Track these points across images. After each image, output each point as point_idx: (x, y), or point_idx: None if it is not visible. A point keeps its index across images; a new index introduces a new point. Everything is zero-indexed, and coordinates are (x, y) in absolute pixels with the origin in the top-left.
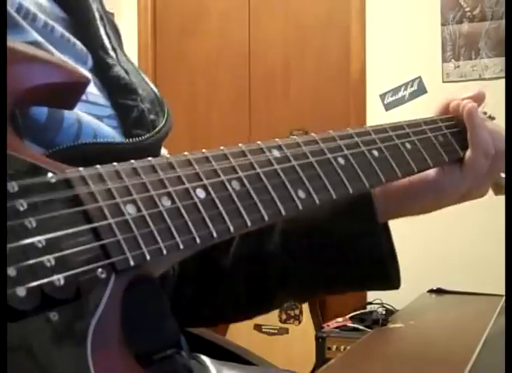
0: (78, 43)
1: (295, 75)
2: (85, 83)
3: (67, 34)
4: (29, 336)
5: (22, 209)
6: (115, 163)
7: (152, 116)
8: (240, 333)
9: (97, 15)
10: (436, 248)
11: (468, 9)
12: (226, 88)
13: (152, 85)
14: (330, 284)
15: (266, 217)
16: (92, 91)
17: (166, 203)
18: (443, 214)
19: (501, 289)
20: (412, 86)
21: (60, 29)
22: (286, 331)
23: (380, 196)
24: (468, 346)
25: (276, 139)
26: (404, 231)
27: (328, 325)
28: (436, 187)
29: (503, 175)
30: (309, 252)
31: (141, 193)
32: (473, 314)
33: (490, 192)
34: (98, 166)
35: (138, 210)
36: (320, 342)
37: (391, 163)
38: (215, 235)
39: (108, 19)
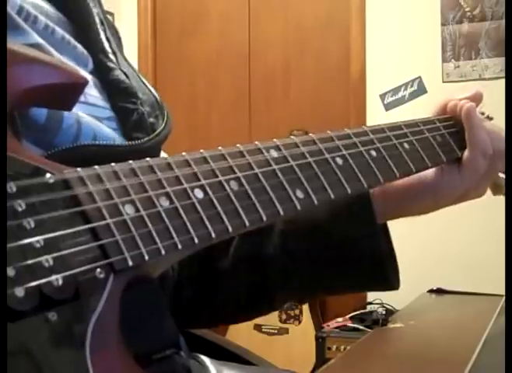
0: (78, 45)
1: (295, 76)
2: (83, 84)
3: (67, 37)
4: (28, 336)
5: (20, 209)
6: (113, 164)
7: (151, 120)
8: (240, 333)
9: (97, 20)
10: (436, 248)
11: (468, 9)
12: (226, 88)
13: (152, 89)
14: (329, 284)
15: (264, 218)
16: (92, 93)
17: (165, 203)
18: (443, 215)
19: (501, 289)
20: (412, 86)
21: (60, 31)
22: (286, 331)
23: (379, 197)
24: (468, 346)
25: (274, 139)
26: (403, 232)
27: (328, 325)
28: (435, 188)
29: (501, 175)
30: (308, 253)
31: (139, 193)
32: (473, 314)
33: (489, 192)
34: (96, 167)
35: (137, 210)
36: (320, 342)
37: (389, 163)
38: (213, 235)
39: (108, 23)
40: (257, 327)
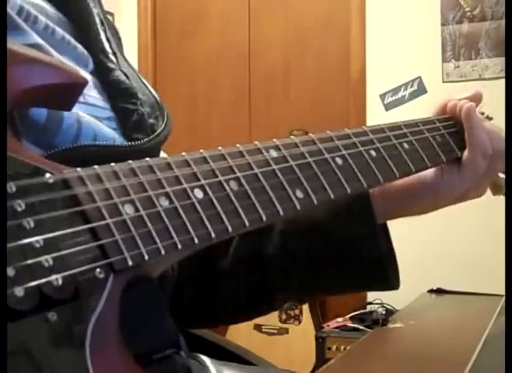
0: (79, 46)
1: (295, 76)
2: (83, 84)
3: (67, 37)
4: (28, 336)
5: (20, 209)
6: (113, 164)
7: (151, 120)
8: (240, 333)
9: (98, 20)
10: (436, 248)
11: (468, 9)
12: (226, 88)
13: (152, 90)
14: (329, 284)
15: (264, 218)
16: (92, 93)
17: (164, 203)
18: (443, 214)
19: (501, 289)
20: (412, 86)
21: (61, 31)
22: (286, 331)
23: (379, 197)
24: (468, 346)
25: (274, 139)
26: (403, 232)
27: (328, 325)
28: (435, 188)
29: (501, 175)
30: (308, 253)
31: (139, 193)
32: (473, 314)
33: (489, 192)
34: (96, 167)
35: (136, 210)
36: (320, 342)
37: (389, 163)
38: (213, 235)
39: (109, 23)
40: (257, 327)
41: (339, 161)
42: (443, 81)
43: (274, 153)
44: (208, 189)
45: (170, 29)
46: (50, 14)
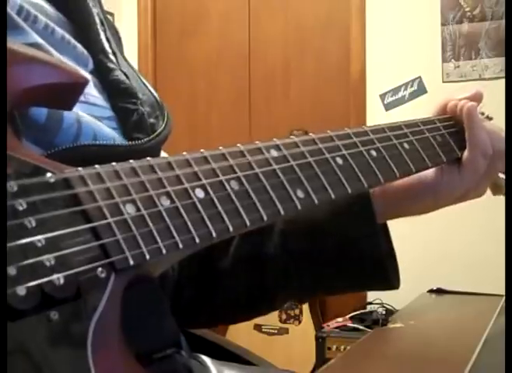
0: (78, 45)
1: (295, 76)
2: (83, 84)
3: (67, 36)
4: (30, 335)
5: (21, 209)
6: (114, 163)
7: (151, 120)
8: (240, 333)
9: (97, 20)
10: (436, 248)
11: (468, 9)
12: (226, 88)
13: (152, 89)
14: (329, 284)
15: (265, 217)
16: (92, 92)
17: (165, 202)
18: (443, 214)
19: (501, 289)
20: (412, 86)
21: (60, 31)
22: (286, 331)
23: (379, 197)
24: (468, 346)
25: (274, 139)
26: (404, 232)
27: (328, 325)
28: (435, 188)
29: (501, 175)
30: (308, 253)
31: (140, 192)
32: (473, 314)
33: (489, 192)
34: (97, 166)
35: (138, 209)
36: (320, 342)
37: (389, 163)
38: (214, 234)
39: (109, 23)
40: (257, 327)
41: (340, 161)
42: (443, 81)
43: (274, 153)
44: (209, 188)
45: (170, 29)
46: (49, 13)
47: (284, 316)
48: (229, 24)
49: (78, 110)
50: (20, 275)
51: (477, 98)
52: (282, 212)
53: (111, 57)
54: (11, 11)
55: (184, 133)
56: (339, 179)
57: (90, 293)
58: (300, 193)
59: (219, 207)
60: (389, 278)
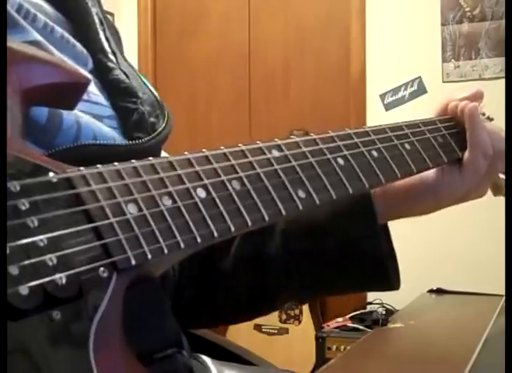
0: (78, 44)
1: (295, 76)
2: (85, 83)
3: (66, 35)
4: (32, 334)
5: (24, 208)
6: (116, 163)
7: (152, 119)
8: (240, 333)
9: (96, 20)
10: (437, 248)
11: (468, 9)
12: (226, 88)
13: (152, 89)
14: (330, 284)
15: (266, 217)
16: (93, 91)
17: (167, 202)
18: (444, 215)
19: (501, 289)
20: (412, 86)
21: (60, 30)
22: (286, 331)
23: (380, 197)
24: (468, 346)
25: (276, 139)
26: (404, 232)
27: (328, 325)
28: (436, 188)
29: (501, 175)
30: (309, 253)
31: (142, 192)
32: (473, 314)
33: (489, 192)
34: (99, 166)
35: (140, 209)
36: (320, 342)
37: (391, 164)
38: (215, 234)
39: (108, 23)
40: (257, 327)
41: (341, 161)
42: (443, 81)
43: (276, 153)
44: (210, 188)
45: (170, 29)
46: (48, 13)
47: (284, 316)
48: (229, 24)
49: (80, 108)
50: (22, 275)
51: (477, 97)
52: (283, 212)
53: (111, 56)
54: (10, 9)
55: (184, 133)
56: (340, 179)
57: (92, 292)
58: (302, 194)
59: (221, 207)
60: (389, 279)
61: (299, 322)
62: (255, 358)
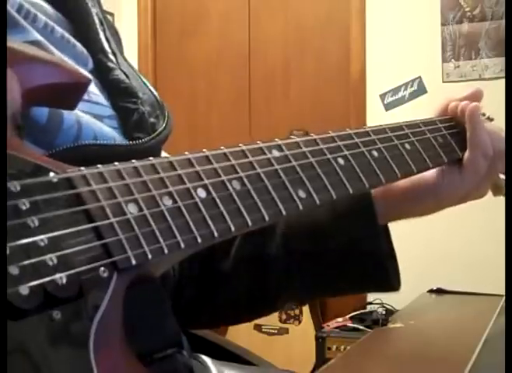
0: (78, 44)
1: (295, 76)
2: (86, 83)
3: (67, 35)
4: (32, 334)
5: (24, 208)
6: (116, 163)
7: (152, 120)
8: (240, 333)
9: (97, 20)
10: (437, 248)
11: (468, 9)
12: (226, 88)
13: (152, 89)
14: (331, 285)
15: (267, 217)
16: (94, 91)
17: (168, 202)
18: (444, 215)
19: (501, 289)
20: (412, 86)
21: (60, 30)
22: (286, 331)
23: (381, 199)
24: (468, 346)
25: (276, 139)
26: (404, 231)
27: (328, 325)
28: (436, 189)
29: (501, 176)
30: (310, 254)
31: (142, 192)
32: (473, 314)
33: (489, 192)
34: (99, 166)
35: (140, 209)
36: (320, 342)
37: (391, 164)
38: (216, 234)
39: (108, 23)
40: (257, 327)
41: (341, 161)
42: (443, 81)
43: (276, 153)
44: (211, 188)
45: (170, 29)
46: (49, 13)
47: (284, 316)
48: (229, 24)
49: (81, 108)
50: (23, 274)
51: (477, 96)
52: (283, 212)
53: (111, 56)
54: (11, 9)
55: (184, 133)
56: (341, 179)
57: (92, 292)
58: (302, 194)
59: (221, 207)
60: (389, 279)
61: (299, 322)
62: (255, 358)
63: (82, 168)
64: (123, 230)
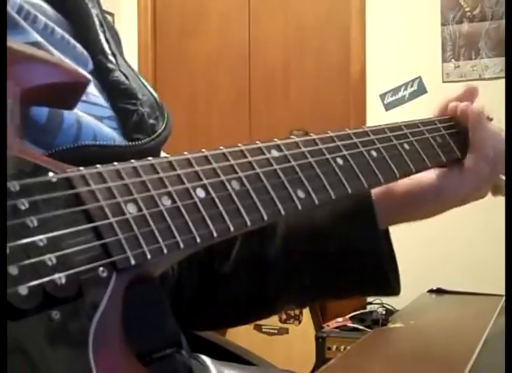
0: (78, 45)
1: (295, 76)
2: (85, 83)
3: (67, 36)
4: (31, 334)
5: (23, 208)
6: (115, 163)
7: (151, 121)
8: (240, 333)
9: (97, 21)
10: (437, 248)
11: (468, 9)
12: (226, 88)
13: (151, 90)
14: (330, 288)
15: (266, 217)
16: (93, 92)
17: (167, 202)
18: (444, 215)
19: (501, 289)
20: (412, 86)
21: (60, 31)
22: (286, 331)
23: (381, 202)
24: (468, 346)
25: (275, 139)
26: (404, 231)
27: (328, 325)
28: (437, 192)
29: (501, 176)
30: (309, 256)
31: (141, 192)
32: (473, 314)
33: (489, 193)
34: (98, 166)
35: (139, 209)
36: (320, 342)
37: (389, 164)
38: (215, 234)
39: (108, 24)
40: (257, 327)
41: (340, 161)
42: (443, 81)
43: (275, 153)
44: (210, 188)
45: (170, 29)
46: (49, 14)
47: (284, 316)
48: (229, 24)
49: (79, 109)
50: (22, 274)
51: (472, 93)
52: (282, 212)
53: (111, 57)
54: (11, 10)
55: (184, 133)
56: (339, 179)
57: (92, 292)
58: (301, 193)
59: (220, 207)
60: (389, 282)
61: (299, 322)
62: (255, 358)
63: (82, 168)
64: (122, 230)
